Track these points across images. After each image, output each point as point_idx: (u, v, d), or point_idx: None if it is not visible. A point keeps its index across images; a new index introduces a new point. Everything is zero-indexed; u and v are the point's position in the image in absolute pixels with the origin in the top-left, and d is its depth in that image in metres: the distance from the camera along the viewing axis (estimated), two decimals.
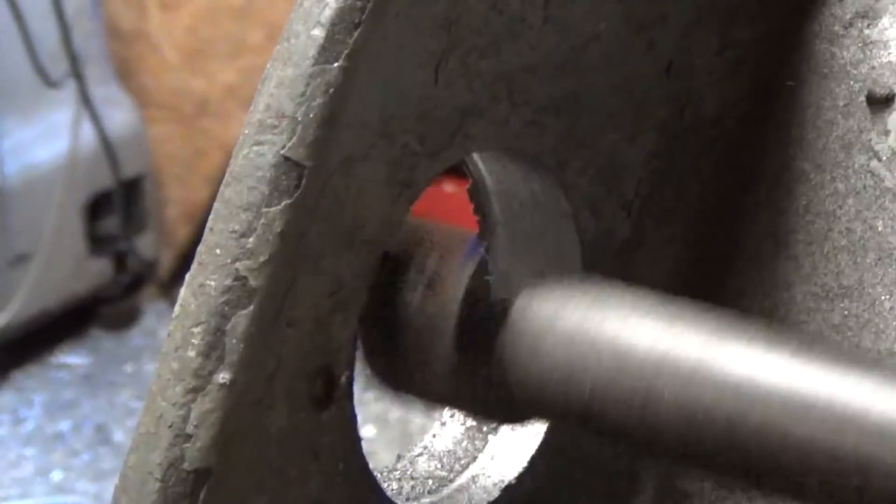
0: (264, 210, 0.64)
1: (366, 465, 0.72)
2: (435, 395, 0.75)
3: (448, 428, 0.82)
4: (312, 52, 0.64)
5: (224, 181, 0.65)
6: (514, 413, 0.74)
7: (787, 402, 0.64)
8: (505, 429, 0.81)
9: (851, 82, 0.81)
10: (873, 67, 0.81)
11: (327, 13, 0.64)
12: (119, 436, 3.10)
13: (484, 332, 0.72)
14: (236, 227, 0.64)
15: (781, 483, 0.66)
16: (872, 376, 0.63)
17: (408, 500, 0.78)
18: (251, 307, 0.64)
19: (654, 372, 0.67)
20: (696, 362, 0.66)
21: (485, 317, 0.71)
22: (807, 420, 0.63)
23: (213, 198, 0.65)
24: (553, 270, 0.76)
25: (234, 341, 0.64)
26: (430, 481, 0.79)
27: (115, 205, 3.43)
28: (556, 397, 0.70)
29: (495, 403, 0.73)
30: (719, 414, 0.65)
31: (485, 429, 0.81)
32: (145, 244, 3.55)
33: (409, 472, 0.80)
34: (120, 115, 3.44)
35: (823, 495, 0.64)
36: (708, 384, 0.66)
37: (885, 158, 0.80)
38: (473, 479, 0.80)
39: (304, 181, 0.64)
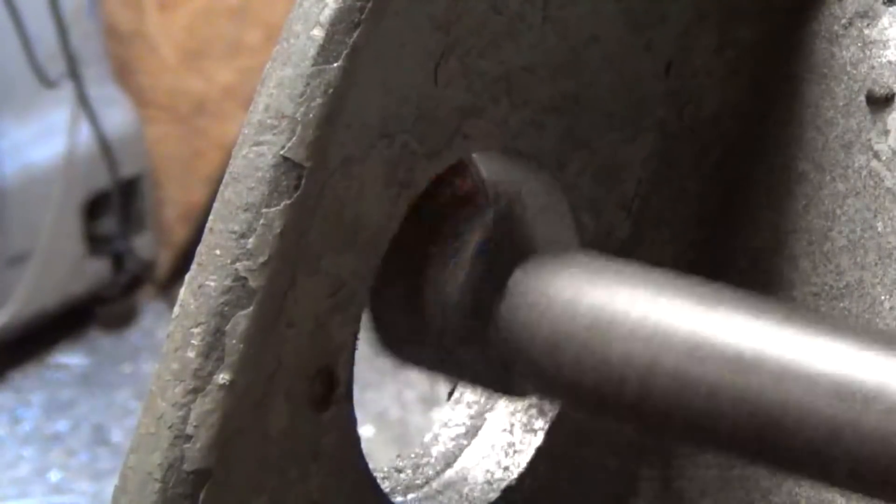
0: (264, 210, 0.64)
1: (366, 465, 0.72)
2: (443, 365, 0.75)
3: (448, 429, 0.82)
4: (312, 52, 0.64)
5: (223, 181, 0.65)
6: (512, 385, 0.74)
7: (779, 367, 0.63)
8: (506, 431, 0.81)
9: (851, 82, 0.81)
10: (873, 67, 0.81)
11: (327, 13, 0.64)
12: (117, 436, 3.10)
13: (486, 302, 0.71)
14: (236, 228, 0.64)
15: (771, 454, 0.65)
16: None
17: (407, 499, 0.78)
18: (251, 308, 0.64)
19: (644, 342, 0.66)
20: (689, 333, 0.65)
21: (486, 287, 0.71)
22: (791, 386, 0.62)
23: (211, 198, 0.65)
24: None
25: (234, 342, 0.64)
26: (430, 482, 0.79)
27: (113, 205, 3.43)
28: (545, 367, 0.69)
29: (496, 374, 0.73)
30: (712, 382, 0.64)
31: (486, 429, 0.81)
32: (143, 244, 3.55)
33: (408, 472, 0.80)
34: (117, 115, 3.44)
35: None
36: (700, 354, 0.65)
37: (885, 158, 0.80)
38: (473, 480, 0.80)
39: (303, 181, 0.64)
